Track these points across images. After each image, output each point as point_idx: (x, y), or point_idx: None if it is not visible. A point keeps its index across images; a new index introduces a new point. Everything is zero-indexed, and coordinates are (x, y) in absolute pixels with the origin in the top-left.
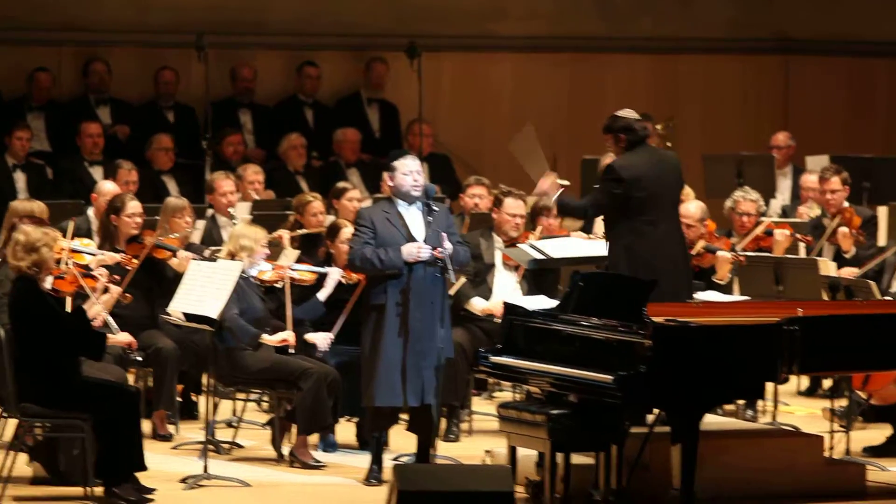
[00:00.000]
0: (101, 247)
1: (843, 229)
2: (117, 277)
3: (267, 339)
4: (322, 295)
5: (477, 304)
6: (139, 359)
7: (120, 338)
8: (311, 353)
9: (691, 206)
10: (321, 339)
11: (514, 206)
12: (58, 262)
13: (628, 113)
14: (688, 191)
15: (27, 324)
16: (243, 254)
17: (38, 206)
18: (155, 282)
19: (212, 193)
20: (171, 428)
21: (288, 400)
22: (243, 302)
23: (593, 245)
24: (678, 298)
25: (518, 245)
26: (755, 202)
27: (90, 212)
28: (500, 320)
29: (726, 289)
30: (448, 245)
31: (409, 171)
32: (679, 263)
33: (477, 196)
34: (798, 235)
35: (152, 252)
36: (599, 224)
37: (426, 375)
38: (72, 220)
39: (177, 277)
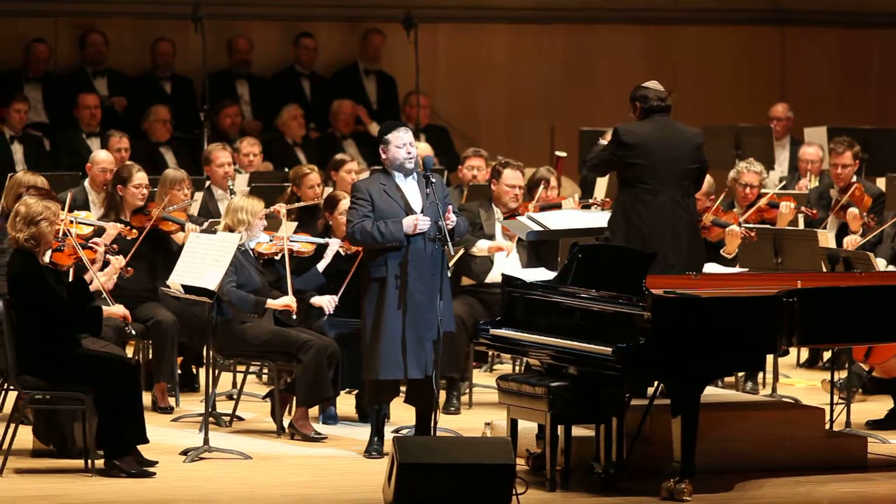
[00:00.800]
0: (105, 217)
1: (854, 210)
2: (115, 247)
3: (271, 303)
4: (321, 265)
5: (481, 245)
6: (133, 332)
7: (114, 310)
8: (312, 324)
9: None
10: (326, 302)
11: (513, 177)
12: (57, 234)
13: (651, 84)
14: None
15: (26, 299)
16: (241, 227)
17: (42, 181)
18: (159, 255)
19: (209, 165)
20: (171, 400)
21: (288, 372)
22: (241, 275)
23: (592, 217)
24: (676, 270)
25: (517, 217)
26: (759, 174)
27: (86, 182)
28: (507, 255)
29: (732, 262)
30: (453, 217)
31: (403, 144)
32: (679, 235)
33: (475, 168)
34: (803, 208)
35: (159, 224)
36: (598, 191)
37: (428, 347)
38: (69, 191)
39: (181, 251)
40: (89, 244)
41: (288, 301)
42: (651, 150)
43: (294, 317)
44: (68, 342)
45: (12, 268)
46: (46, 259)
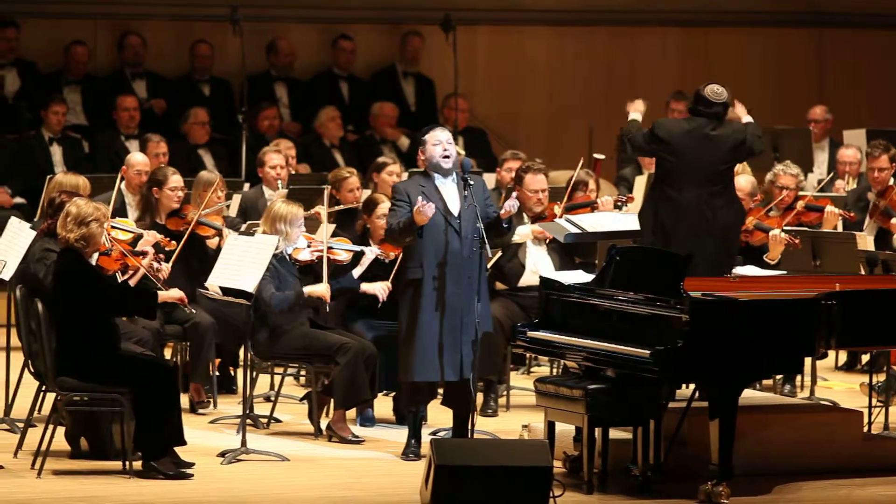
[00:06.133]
0: (140, 219)
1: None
2: (162, 257)
3: (309, 289)
4: (357, 272)
5: (522, 231)
6: (192, 312)
7: (172, 293)
8: (349, 327)
9: (741, 180)
10: (379, 288)
11: (535, 182)
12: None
13: (708, 88)
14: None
15: (73, 291)
16: (279, 238)
17: (83, 182)
18: (195, 258)
19: (262, 167)
20: (205, 395)
21: (325, 374)
22: (277, 281)
23: (629, 219)
24: (698, 272)
25: (555, 219)
26: (795, 176)
27: (122, 185)
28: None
29: (777, 267)
30: (512, 203)
31: (438, 142)
32: (703, 236)
33: (513, 170)
34: (840, 211)
35: (196, 229)
36: (637, 191)
37: (464, 350)
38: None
39: (217, 254)
40: (140, 251)
41: (323, 290)
42: (680, 148)
43: (327, 308)
44: (108, 342)
45: (60, 265)
46: (93, 262)
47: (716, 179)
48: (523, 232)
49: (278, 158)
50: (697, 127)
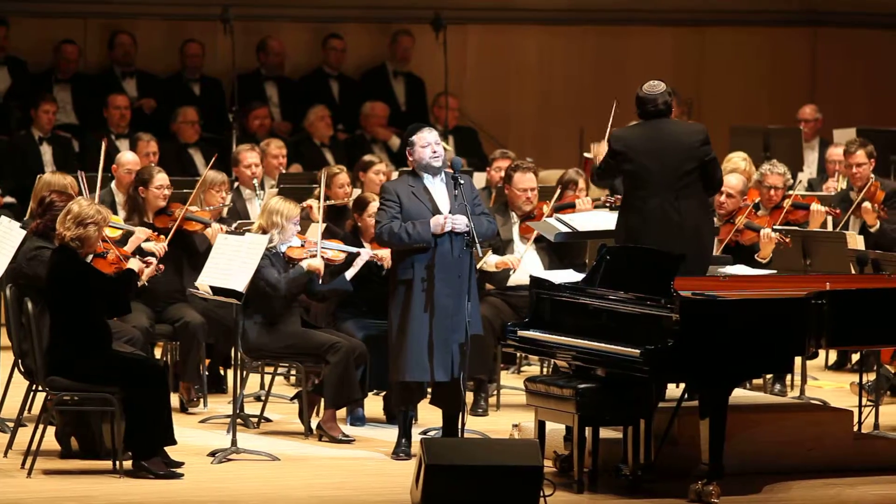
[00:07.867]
0: (128, 219)
1: (867, 204)
2: (162, 268)
3: (308, 263)
4: (349, 274)
5: (490, 260)
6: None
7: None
8: (339, 326)
9: (732, 178)
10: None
11: (524, 181)
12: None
13: (645, 87)
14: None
15: (66, 290)
16: (274, 231)
17: (70, 181)
18: (186, 255)
19: (237, 166)
20: (198, 399)
21: (316, 374)
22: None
23: None
24: None
25: (544, 218)
26: (782, 175)
27: (112, 184)
28: (513, 272)
29: (767, 267)
30: (465, 220)
31: (427, 143)
32: (669, 240)
33: (503, 169)
34: (825, 208)
35: (183, 224)
36: None
37: (455, 350)
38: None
39: (208, 251)
40: (144, 259)
41: (318, 264)
42: (638, 156)
43: (321, 282)
44: (100, 341)
45: (53, 263)
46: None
47: (681, 181)
48: (490, 262)
49: (253, 157)
50: (652, 129)
